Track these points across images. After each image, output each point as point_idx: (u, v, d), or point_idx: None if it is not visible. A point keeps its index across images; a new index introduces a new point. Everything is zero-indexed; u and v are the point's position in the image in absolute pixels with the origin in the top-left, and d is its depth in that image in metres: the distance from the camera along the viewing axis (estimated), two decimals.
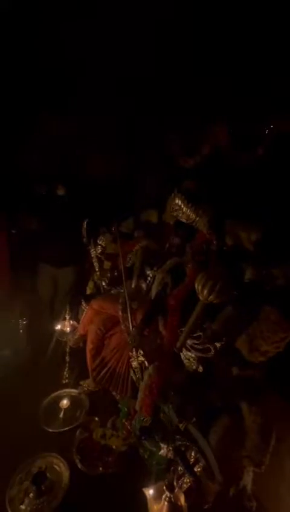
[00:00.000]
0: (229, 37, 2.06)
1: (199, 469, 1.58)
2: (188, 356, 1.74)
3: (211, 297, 1.50)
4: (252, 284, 1.71)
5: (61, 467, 1.86)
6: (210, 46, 2.15)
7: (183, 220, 2.01)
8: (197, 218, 1.92)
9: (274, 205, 2.03)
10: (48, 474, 1.77)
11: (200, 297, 1.54)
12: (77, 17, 1.91)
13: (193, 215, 1.93)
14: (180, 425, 1.63)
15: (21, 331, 2.89)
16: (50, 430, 2.06)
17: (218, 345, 1.63)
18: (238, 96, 2.29)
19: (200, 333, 1.67)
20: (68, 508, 1.69)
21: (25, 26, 2.08)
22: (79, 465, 1.85)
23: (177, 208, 2.01)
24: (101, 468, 1.85)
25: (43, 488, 1.71)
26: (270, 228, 1.88)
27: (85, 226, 2.62)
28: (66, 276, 3.05)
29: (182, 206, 1.96)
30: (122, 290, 2.16)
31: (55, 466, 1.87)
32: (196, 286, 1.54)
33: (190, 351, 1.70)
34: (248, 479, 1.55)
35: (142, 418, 1.85)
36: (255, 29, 2.00)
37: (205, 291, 1.49)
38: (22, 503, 1.68)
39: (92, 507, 1.69)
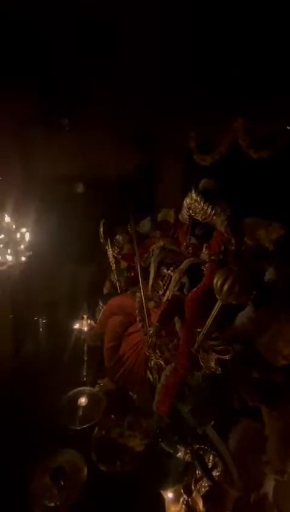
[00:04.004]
0: (249, 36, 2.01)
1: (217, 473, 1.55)
2: (205, 357, 1.70)
3: (229, 298, 1.45)
4: (272, 284, 1.65)
5: (79, 463, 1.88)
6: (232, 44, 2.11)
7: (200, 219, 1.97)
8: (215, 217, 1.88)
9: None
10: (66, 470, 1.80)
11: (219, 298, 1.51)
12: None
13: (210, 214, 1.90)
14: (198, 427, 1.60)
15: (41, 329, 2.97)
16: (68, 427, 2.10)
17: (237, 346, 1.59)
18: (258, 93, 2.23)
19: (219, 334, 1.63)
20: (86, 504, 1.71)
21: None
22: (96, 463, 1.87)
23: (194, 206, 1.98)
24: (118, 467, 1.86)
25: (62, 483, 1.75)
26: None
27: (102, 226, 2.64)
28: (84, 275, 3.10)
29: (199, 205, 1.93)
30: (139, 290, 2.16)
31: (74, 462, 1.89)
32: (214, 286, 1.51)
33: (207, 352, 1.67)
34: (269, 487, 1.49)
35: (159, 419, 1.83)
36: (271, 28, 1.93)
37: (224, 292, 1.45)
38: (43, 498, 1.72)
39: (110, 505, 1.70)
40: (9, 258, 2.53)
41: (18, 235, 2.66)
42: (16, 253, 2.58)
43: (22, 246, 2.66)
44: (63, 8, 1.87)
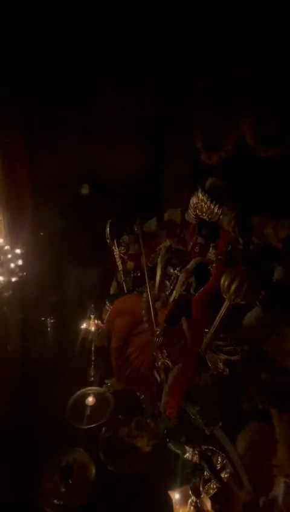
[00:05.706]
0: (256, 33, 1.99)
1: (226, 475, 1.53)
2: (213, 358, 1.69)
3: (237, 298, 1.44)
4: (281, 284, 1.62)
5: (87, 462, 1.89)
6: (237, 41, 2.08)
7: (207, 219, 1.96)
8: (222, 216, 1.86)
9: None
10: (75, 469, 1.81)
11: (226, 298, 1.49)
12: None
13: (217, 213, 1.88)
14: (206, 429, 1.59)
15: (49, 329, 3.00)
16: (76, 427, 2.11)
17: (245, 347, 1.57)
18: (266, 91, 2.20)
19: (226, 335, 1.62)
20: (94, 503, 1.71)
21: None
22: (104, 463, 1.87)
23: (200, 206, 1.96)
24: (126, 467, 1.86)
25: (71, 482, 1.76)
26: None
27: (108, 226, 2.65)
28: (91, 276, 3.12)
29: (206, 204, 1.91)
30: (146, 290, 2.15)
31: (82, 461, 1.90)
32: (221, 286, 1.49)
33: (215, 352, 1.66)
34: (279, 490, 1.47)
35: (166, 420, 1.83)
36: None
37: (231, 292, 1.44)
38: (52, 496, 1.74)
39: (117, 505, 1.70)
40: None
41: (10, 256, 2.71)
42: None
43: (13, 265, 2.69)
44: (69, 8, 1.88)
